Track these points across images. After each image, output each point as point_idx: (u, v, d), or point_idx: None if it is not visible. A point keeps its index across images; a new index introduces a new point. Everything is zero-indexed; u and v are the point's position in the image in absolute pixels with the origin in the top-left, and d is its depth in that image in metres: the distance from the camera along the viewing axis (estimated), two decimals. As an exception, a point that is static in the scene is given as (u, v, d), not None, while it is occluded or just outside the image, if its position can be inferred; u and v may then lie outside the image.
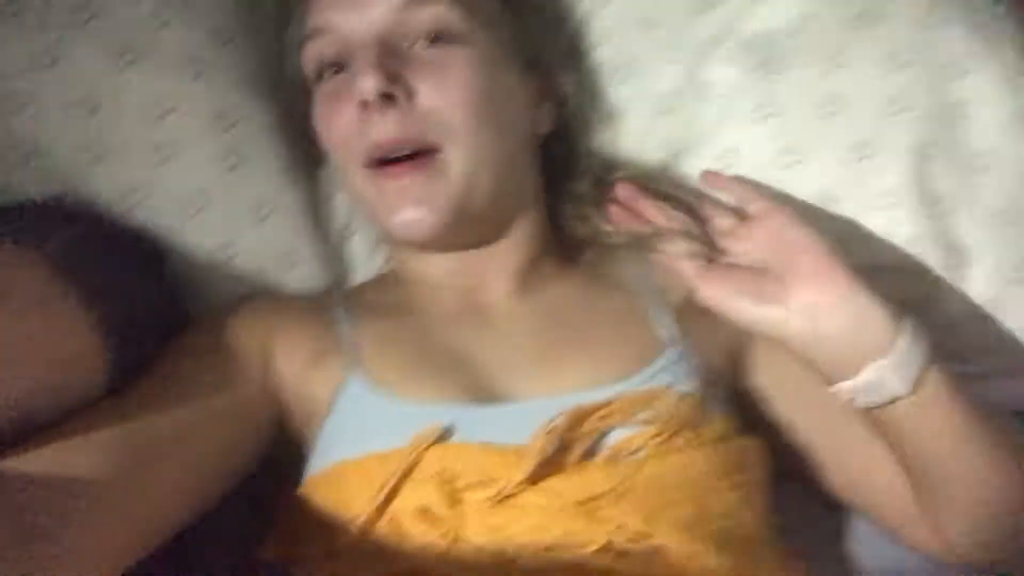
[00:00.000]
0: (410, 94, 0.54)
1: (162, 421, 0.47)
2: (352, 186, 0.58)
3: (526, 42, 0.62)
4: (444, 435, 0.49)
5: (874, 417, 0.52)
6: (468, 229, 0.57)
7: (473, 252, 0.60)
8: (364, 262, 0.68)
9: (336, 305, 0.60)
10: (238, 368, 0.53)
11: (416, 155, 0.54)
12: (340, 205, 0.68)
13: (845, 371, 0.51)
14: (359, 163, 0.55)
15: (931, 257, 0.63)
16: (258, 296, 0.60)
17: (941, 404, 0.51)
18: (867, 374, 0.50)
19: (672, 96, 0.66)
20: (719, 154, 0.65)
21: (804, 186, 0.63)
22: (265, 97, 0.64)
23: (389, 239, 0.63)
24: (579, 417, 0.49)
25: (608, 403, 0.51)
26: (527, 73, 0.62)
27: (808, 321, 0.52)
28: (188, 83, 0.60)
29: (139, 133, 0.58)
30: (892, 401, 0.50)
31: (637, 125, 0.67)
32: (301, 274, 0.63)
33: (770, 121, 0.63)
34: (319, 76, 0.58)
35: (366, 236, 0.68)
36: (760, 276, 0.54)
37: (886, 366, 0.50)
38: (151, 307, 0.55)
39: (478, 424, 0.50)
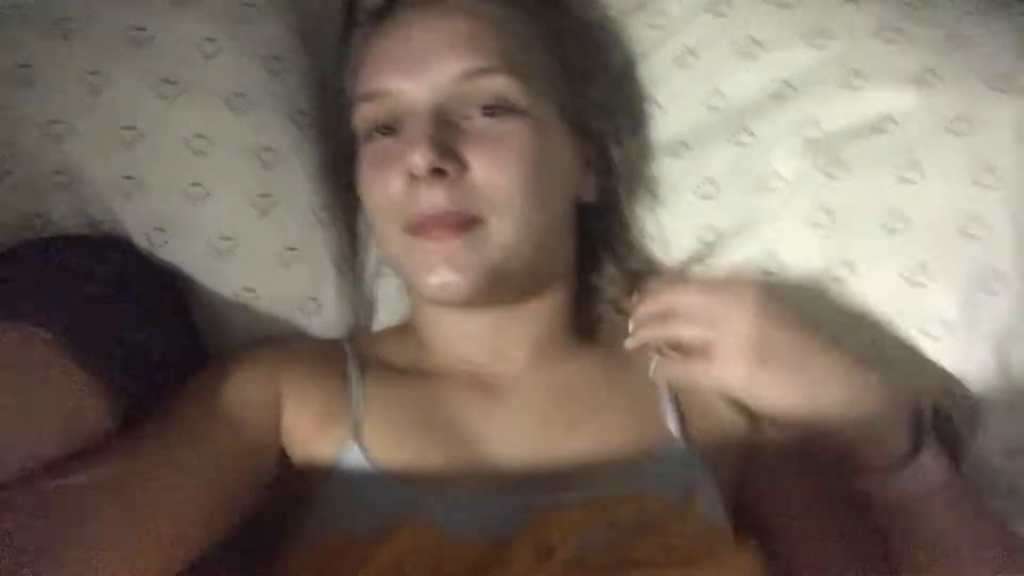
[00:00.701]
0: (462, 168, 0.52)
1: (164, 461, 0.47)
2: (386, 245, 0.56)
3: (580, 109, 0.58)
4: (430, 525, 0.48)
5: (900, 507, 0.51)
6: (500, 293, 0.55)
7: (497, 316, 0.57)
8: (392, 303, 0.66)
9: (351, 359, 0.58)
10: (245, 417, 0.52)
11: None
12: (374, 246, 0.65)
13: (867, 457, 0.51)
14: (398, 227, 0.53)
15: (982, 389, 0.56)
16: (272, 344, 0.59)
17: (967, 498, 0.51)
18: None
19: (723, 180, 0.61)
20: (760, 251, 0.60)
21: (848, 302, 0.57)
22: (309, 134, 0.61)
23: (416, 297, 0.60)
24: (566, 521, 0.47)
25: (597, 505, 0.48)
26: (578, 139, 0.58)
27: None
28: (232, 118, 0.57)
29: (176, 169, 0.56)
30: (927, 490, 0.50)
31: (679, 205, 0.62)
32: (324, 320, 0.61)
33: (824, 227, 0.57)
34: (369, 136, 0.56)
35: (396, 279, 0.65)
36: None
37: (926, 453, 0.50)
38: (168, 349, 0.54)
39: (466, 516, 0.49)
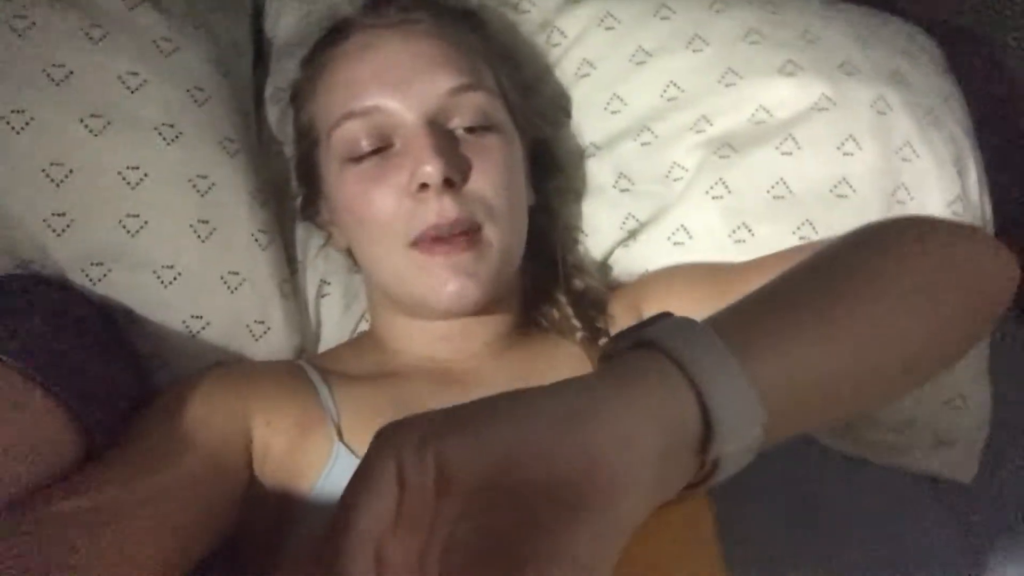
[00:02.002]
0: (465, 179, 0.53)
1: (137, 490, 0.43)
2: (385, 262, 0.55)
3: (526, 119, 0.61)
4: None
5: None
6: (495, 296, 0.56)
7: (467, 319, 0.57)
8: (336, 322, 0.65)
9: (313, 372, 0.56)
10: (215, 436, 0.49)
11: (463, 233, 0.53)
12: (315, 265, 0.64)
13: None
14: (402, 242, 0.53)
15: None
16: (230, 364, 0.56)
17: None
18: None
19: (637, 174, 0.65)
20: (674, 229, 0.64)
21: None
22: (239, 159, 0.59)
23: (419, 311, 0.56)
24: None
25: None
26: (526, 147, 0.61)
27: None
28: (163, 147, 0.55)
29: (111, 201, 0.53)
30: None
31: (602, 200, 0.66)
32: (274, 341, 0.59)
33: (724, 197, 0.62)
34: (353, 156, 0.55)
35: (339, 297, 0.65)
36: None
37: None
38: (120, 382, 0.51)
39: None
